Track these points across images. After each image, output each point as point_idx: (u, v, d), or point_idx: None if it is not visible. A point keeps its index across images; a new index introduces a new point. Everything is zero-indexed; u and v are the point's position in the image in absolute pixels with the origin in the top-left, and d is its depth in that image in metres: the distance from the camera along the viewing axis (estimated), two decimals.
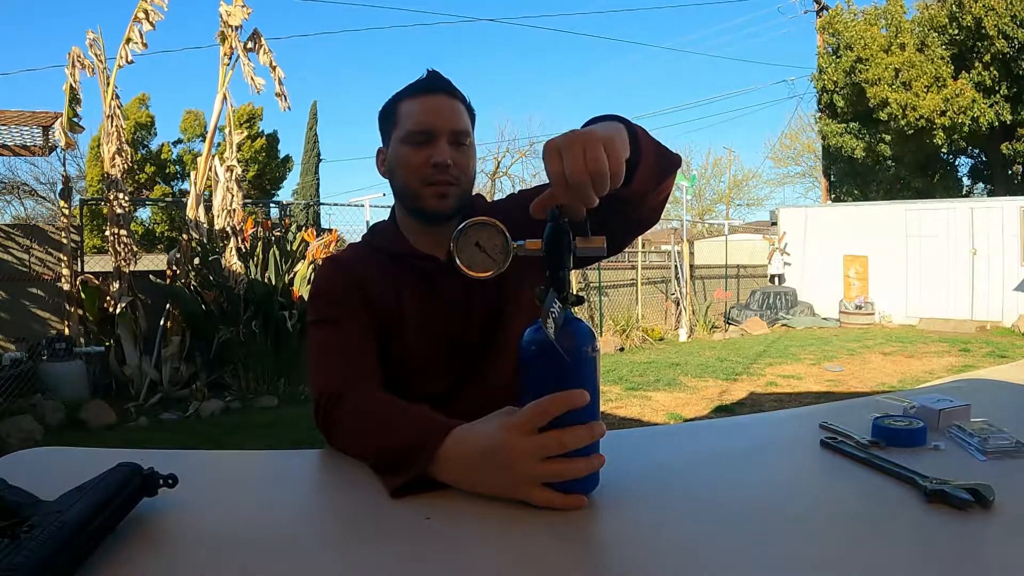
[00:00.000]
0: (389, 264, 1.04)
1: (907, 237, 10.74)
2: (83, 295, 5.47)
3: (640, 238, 10.96)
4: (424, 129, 1.00)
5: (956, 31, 12.11)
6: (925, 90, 12.29)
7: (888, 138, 13.17)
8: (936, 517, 0.64)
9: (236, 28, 5.76)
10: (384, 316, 1.01)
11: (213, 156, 5.94)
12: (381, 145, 1.10)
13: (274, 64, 5.98)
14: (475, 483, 0.70)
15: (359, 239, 1.19)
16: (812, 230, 11.73)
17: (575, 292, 0.70)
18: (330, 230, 6.59)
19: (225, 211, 5.80)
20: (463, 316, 1.04)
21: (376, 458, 0.78)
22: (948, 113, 11.98)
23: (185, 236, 5.77)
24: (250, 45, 5.88)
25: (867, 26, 13.18)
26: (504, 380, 1.03)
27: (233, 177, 5.84)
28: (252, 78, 5.83)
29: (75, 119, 5.33)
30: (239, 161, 6.00)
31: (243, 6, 5.75)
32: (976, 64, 12.07)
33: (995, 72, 11.89)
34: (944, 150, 13.86)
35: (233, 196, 5.81)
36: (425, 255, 1.04)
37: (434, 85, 1.04)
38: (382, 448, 0.78)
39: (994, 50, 11.60)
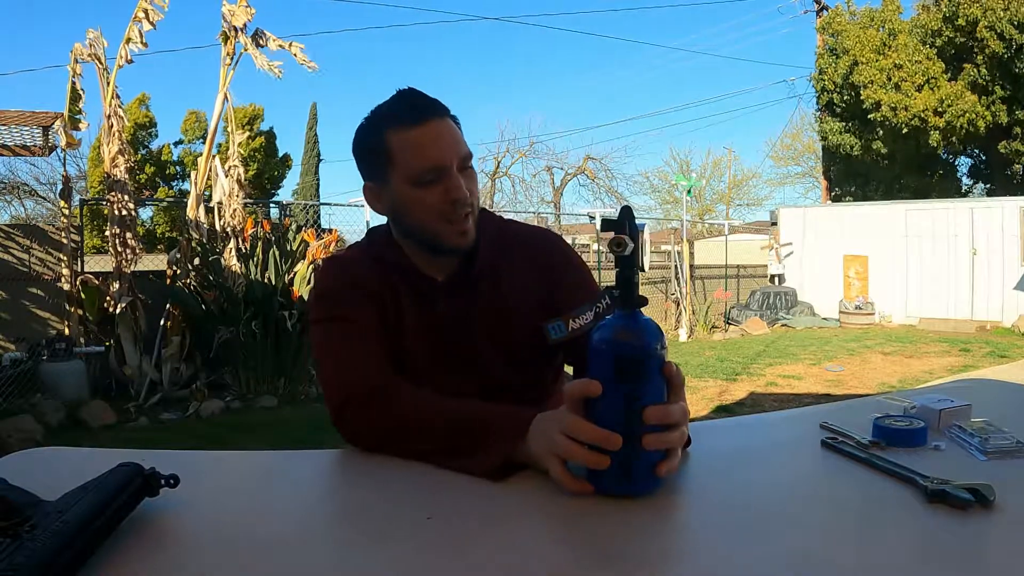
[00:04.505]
0: (388, 271, 1.03)
1: (907, 237, 10.73)
2: (83, 295, 5.46)
3: None
4: (435, 166, 0.94)
5: (951, 32, 12.10)
6: (917, 89, 12.28)
7: (883, 135, 13.15)
8: (937, 517, 0.64)
9: (240, 29, 5.74)
10: (383, 317, 1.01)
11: (214, 157, 5.93)
12: (367, 181, 1.02)
13: (288, 43, 5.94)
14: (534, 449, 0.74)
15: (359, 239, 1.18)
16: (812, 230, 11.72)
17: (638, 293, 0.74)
18: (330, 230, 6.58)
19: (225, 211, 5.80)
20: (461, 324, 1.03)
21: (449, 446, 0.80)
22: (946, 115, 11.96)
23: (185, 236, 5.77)
24: (254, 43, 5.86)
25: (861, 29, 13.16)
26: (503, 382, 1.03)
27: (235, 178, 5.83)
28: (269, 65, 5.79)
29: (78, 116, 5.33)
30: (239, 159, 6.00)
31: (247, 6, 5.74)
32: (973, 61, 12.05)
33: (994, 72, 11.87)
34: (942, 150, 13.84)
35: (234, 197, 5.81)
36: (424, 275, 1.03)
37: (424, 111, 0.96)
38: (454, 431, 0.81)
39: (989, 51, 11.58)
